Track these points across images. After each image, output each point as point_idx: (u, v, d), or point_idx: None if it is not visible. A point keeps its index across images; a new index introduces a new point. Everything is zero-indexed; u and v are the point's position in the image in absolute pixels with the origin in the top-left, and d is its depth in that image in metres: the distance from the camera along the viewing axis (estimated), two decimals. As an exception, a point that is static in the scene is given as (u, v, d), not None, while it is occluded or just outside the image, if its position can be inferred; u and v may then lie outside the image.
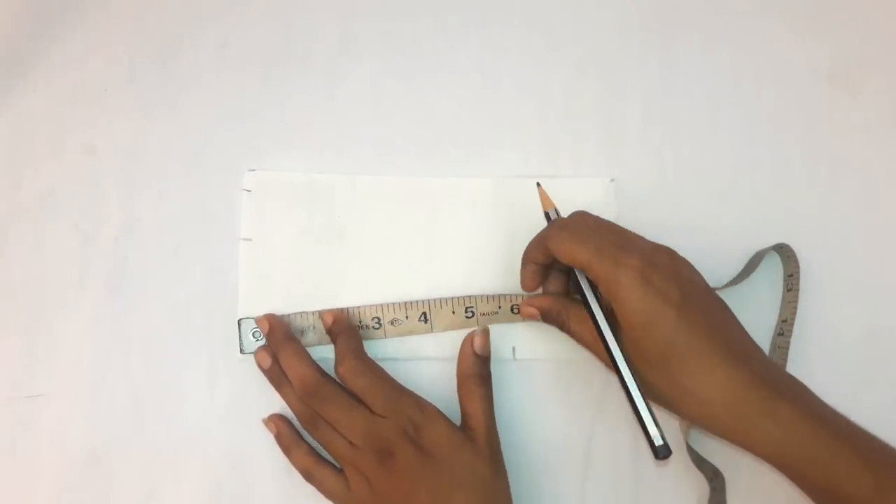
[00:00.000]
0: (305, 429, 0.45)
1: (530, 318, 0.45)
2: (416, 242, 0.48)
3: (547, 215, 0.45)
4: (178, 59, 0.50)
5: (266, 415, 0.46)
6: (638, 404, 0.40)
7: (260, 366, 0.45)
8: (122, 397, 0.46)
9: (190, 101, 0.49)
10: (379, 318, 0.47)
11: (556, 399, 0.47)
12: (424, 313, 0.47)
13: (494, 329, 0.46)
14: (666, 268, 0.40)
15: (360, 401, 0.43)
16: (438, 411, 0.43)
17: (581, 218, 0.43)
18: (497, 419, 0.44)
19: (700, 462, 0.46)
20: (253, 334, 0.46)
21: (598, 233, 0.42)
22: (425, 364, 0.47)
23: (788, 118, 0.51)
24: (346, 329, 0.46)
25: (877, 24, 0.53)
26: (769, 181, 0.50)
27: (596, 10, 0.52)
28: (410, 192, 0.49)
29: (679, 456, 0.47)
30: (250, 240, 0.47)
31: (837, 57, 0.52)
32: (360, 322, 0.47)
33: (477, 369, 0.44)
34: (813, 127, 0.51)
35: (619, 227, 0.43)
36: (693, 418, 0.41)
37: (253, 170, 0.48)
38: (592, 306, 0.41)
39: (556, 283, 0.45)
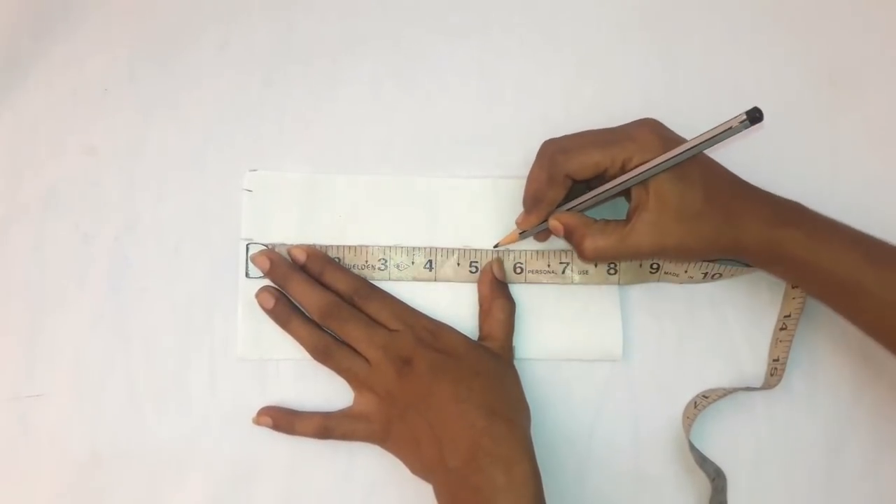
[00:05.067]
0: (318, 359, 0.45)
1: (555, 232, 0.45)
2: (416, 243, 0.48)
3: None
4: (178, 59, 0.50)
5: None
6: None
7: (264, 307, 0.45)
8: (122, 397, 0.46)
9: (190, 101, 0.49)
10: (385, 260, 0.47)
11: (556, 399, 0.47)
12: (430, 261, 0.47)
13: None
14: (663, 128, 0.43)
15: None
16: (449, 325, 0.46)
17: (557, 139, 0.44)
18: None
19: (702, 461, 0.45)
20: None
21: (585, 135, 0.43)
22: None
23: (788, 118, 0.51)
24: (330, 261, 0.46)
25: (877, 24, 0.53)
26: (769, 182, 0.50)
27: (596, 10, 0.52)
28: (410, 192, 0.49)
29: (680, 456, 0.47)
30: (251, 239, 0.47)
31: (837, 57, 0.52)
32: (367, 262, 0.47)
33: (501, 291, 0.46)
34: (813, 127, 0.51)
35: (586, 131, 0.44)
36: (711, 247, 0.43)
37: (253, 170, 0.48)
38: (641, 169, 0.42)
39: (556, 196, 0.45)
